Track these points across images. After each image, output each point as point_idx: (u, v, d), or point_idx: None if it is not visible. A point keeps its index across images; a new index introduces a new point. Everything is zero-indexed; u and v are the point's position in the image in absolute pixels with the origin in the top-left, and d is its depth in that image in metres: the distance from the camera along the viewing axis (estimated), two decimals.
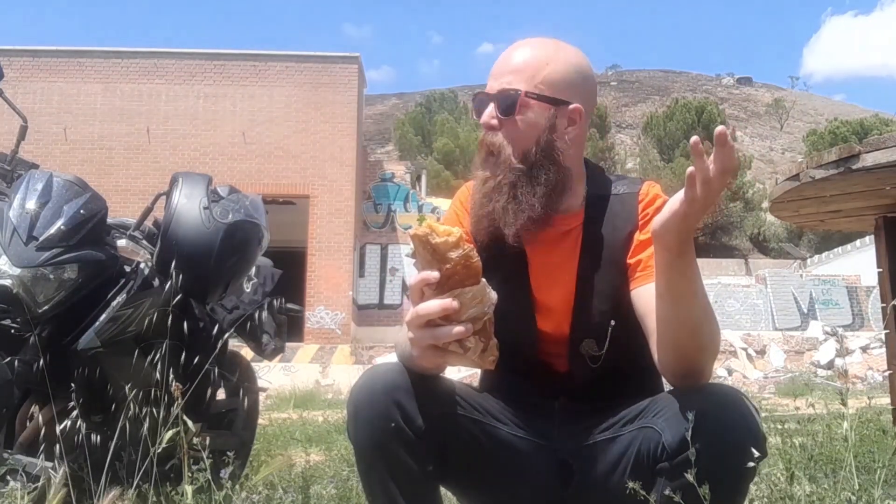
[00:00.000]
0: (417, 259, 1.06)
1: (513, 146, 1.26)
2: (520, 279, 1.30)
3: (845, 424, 1.44)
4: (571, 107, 1.28)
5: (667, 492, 1.08)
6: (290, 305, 2.82)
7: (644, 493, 1.10)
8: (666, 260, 1.08)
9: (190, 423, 1.62)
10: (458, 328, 1.04)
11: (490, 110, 1.28)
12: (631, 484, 1.12)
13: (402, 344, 1.21)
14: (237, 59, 16.39)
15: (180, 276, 1.99)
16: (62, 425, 1.78)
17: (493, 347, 1.09)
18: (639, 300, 1.23)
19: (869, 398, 1.89)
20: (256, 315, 2.54)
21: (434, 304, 1.04)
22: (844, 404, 1.37)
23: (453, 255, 1.03)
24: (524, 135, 1.26)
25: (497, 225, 1.25)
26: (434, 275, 1.04)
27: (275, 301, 2.64)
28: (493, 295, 1.08)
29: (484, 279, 1.07)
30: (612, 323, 1.26)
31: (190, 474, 1.67)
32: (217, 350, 2.21)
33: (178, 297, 2.01)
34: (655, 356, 1.17)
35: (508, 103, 1.27)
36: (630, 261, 1.26)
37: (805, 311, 18.54)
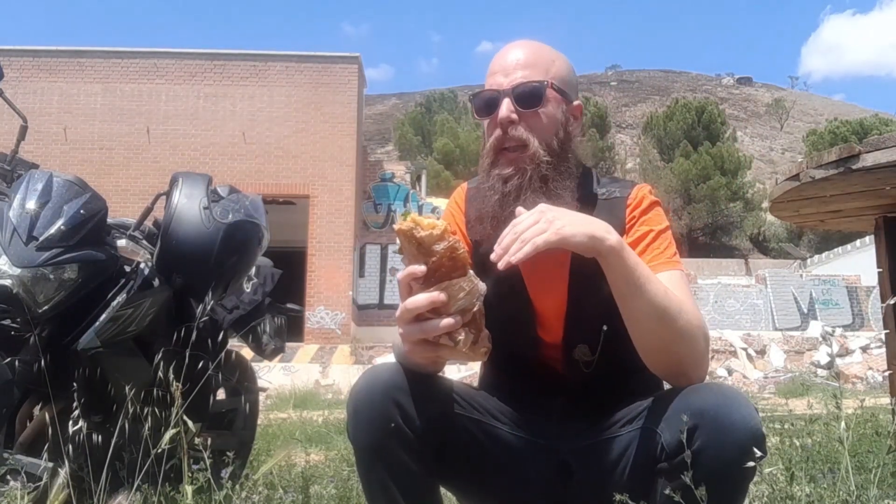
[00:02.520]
0: (404, 254, 1.06)
1: (538, 139, 1.24)
2: (517, 287, 1.29)
3: (842, 425, 1.44)
4: (575, 103, 1.32)
5: (667, 491, 1.08)
6: (290, 305, 2.82)
7: (633, 502, 1.10)
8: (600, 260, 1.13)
9: (190, 423, 1.62)
10: (447, 321, 1.04)
11: (508, 104, 1.25)
12: (619, 497, 1.12)
13: (397, 343, 1.21)
14: (237, 59, 16.37)
15: (209, 304, 2.00)
16: (65, 426, 1.78)
17: (484, 339, 1.09)
18: None
19: (861, 399, 1.89)
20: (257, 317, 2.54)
21: (421, 298, 1.04)
22: (838, 407, 1.38)
23: (438, 247, 1.03)
24: (547, 127, 1.26)
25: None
26: (420, 268, 1.04)
27: (275, 319, 2.65)
28: (482, 286, 1.08)
29: (472, 270, 1.07)
30: (605, 328, 1.26)
31: (190, 474, 1.67)
32: (218, 351, 2.21)
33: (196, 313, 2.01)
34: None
35: (532, 95, 1.25)
36: None
37: (805, 311, 18.54)
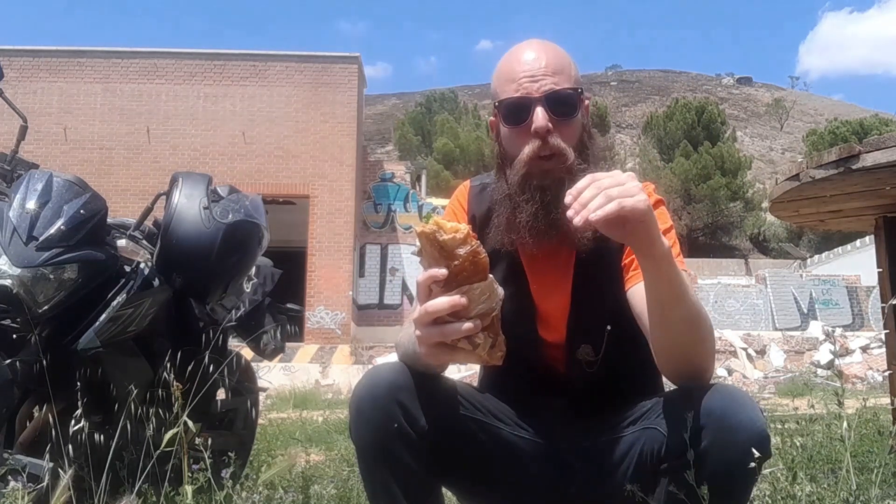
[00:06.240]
0: (424, 256, 1.05)
1: (572, 147, 1.23)
2: (520, 286, 1.29)
3: (844, 425, 1.44)
4: (586, 103, 1.31)
5: (671, 488, 1.08)
6: (290, 305, 2.82)
7: (642, 494, 1.10)
8: (641, 263, 1.09)
9: (191, 423, 1.62)
10: (468, 325, 1.03)
11: (543, 113, 1.21)
12: (629, 487, 1.11)
13: (405, 343, 1.21)
14: (237, 59, 16.37)
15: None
16: (65, 426, 1.78)
17: (500, 343, 1.08)
18: (634, 299, 1.22)
19: (864, 399, 1.89)
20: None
21: (443, 301, 1.03)
22: (840, 405, 1.38)
23: (461, 251, 1.02)
24: (575, 135, 1.25)
25: (563, 233, 1.20)
26: (442, 272, 1.03)
27: (277, 325, 2.65)
28: (501, 291, 1.07)
29: (491, 275, 1.06)
30: (608, 328, 1.26)
31: (190, 474, 1.67)
32: (220, 352, 2.21)
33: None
34: (655, 356, 1.17)
35: (566, 103, 1.24)
36: (625, 261, 1.26)
37: (805, 311, 18.54)
